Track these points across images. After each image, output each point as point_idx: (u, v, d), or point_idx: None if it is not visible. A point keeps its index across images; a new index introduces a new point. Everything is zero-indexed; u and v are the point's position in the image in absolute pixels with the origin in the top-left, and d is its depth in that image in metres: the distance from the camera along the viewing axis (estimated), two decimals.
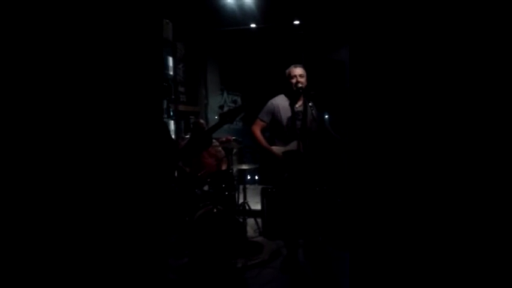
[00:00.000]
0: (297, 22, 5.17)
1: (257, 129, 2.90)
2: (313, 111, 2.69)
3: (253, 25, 5.33)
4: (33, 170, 1.32)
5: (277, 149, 2.89)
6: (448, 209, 1.28)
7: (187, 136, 4.61)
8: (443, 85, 1.28)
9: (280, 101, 2.91)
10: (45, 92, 1.32)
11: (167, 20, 4.83)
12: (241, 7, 4.77)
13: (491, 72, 1.22)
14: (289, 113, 2.85)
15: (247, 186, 4.68)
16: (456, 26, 1.25)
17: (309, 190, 2.89)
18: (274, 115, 2.89)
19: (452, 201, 1.27)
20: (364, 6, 1.38)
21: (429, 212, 1.31)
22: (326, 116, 3.34)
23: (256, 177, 5.94)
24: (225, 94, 6.48)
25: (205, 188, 3.48)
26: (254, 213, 3.98)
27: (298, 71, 2.81)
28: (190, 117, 5.69)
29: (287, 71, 2.88)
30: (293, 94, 2.85)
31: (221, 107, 4.26)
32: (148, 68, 1.50)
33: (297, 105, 2.87)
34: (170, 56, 5.16)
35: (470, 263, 1.25)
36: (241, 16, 4.93)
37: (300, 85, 2.77)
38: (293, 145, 2.84)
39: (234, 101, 6.44)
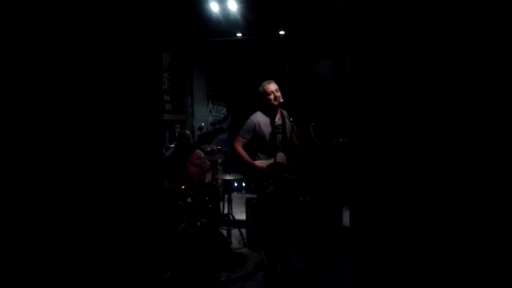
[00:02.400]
0: (282, 32, 5.23)
1: (239, 146, 3.00)
2: (291, 123, 2.75)
3: (239, 34, 5.36)
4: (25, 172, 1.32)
5: (260, 162, 2.93)
6: (452, 218, 1.28)
7: (172, 145, 4.59)
8: (437, 90, 1.28)
9: (260, 117, 2.98)
10: (46, 90, 1.34)
11: None
12: (226, 18, 4.80)
13: (486, 74, 1.24)
14: (270, 128, 2.92)
15: (234, 194, 4.68)
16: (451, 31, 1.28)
17: (293, 201, 2.92)
18: (256, 131, 2.95)
19: (456, 211, 1.27)
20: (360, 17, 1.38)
21: (433, 221, 1.29)
22: (312, 124, 3.38)
23: (244, 184, 5.92)
24: (210, 104, 6.47)
25: (189, 199, 3.47)
26: (239, 224, 3.98)
27: (272, 86, 2.89)
28: (176, 125, 5.68)
29: (261, 88, 2.93)
30: (271, 109, 2.92)
31: (200, 129, 4.28)
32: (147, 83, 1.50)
33: (276, 119, 2.93)
34: None
35: (474, 274, 1.27)
36: (227, 26, 4.96)
37: (277, 99, 2.86)
38: (278, 158, 2.89)
39: (219, 111, 6.44)
